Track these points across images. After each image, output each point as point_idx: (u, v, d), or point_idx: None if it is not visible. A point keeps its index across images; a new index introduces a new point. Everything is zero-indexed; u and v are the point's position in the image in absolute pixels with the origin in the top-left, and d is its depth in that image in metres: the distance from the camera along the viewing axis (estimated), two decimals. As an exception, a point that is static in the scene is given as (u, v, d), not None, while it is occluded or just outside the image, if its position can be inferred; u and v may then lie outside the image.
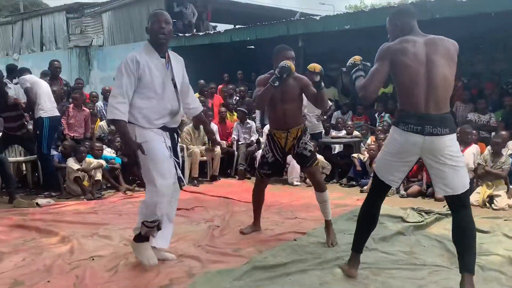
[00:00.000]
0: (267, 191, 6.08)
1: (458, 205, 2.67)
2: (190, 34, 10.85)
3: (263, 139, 7.20)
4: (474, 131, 5.99)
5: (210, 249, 3.51)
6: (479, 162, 5.42)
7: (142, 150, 2.84)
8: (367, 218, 2.89)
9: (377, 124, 7.63)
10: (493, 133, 6.42)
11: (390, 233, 3.88)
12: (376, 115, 8.06)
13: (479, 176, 5.43)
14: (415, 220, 4.30)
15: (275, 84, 3.43)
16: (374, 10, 8.37)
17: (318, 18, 8.74)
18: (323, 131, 7.59)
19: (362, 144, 7.13)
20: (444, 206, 4.92)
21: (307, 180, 6.66)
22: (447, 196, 2.68)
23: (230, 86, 9.13)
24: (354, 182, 6.54)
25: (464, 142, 5.61)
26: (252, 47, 12.29)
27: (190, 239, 3.77)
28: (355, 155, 6.66)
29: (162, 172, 2.89)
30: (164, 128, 3.02)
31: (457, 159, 2.59)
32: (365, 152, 6.64)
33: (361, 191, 6.06)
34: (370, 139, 6.96)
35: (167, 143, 3.01)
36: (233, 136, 7.63)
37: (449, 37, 2.69)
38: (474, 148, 5.69)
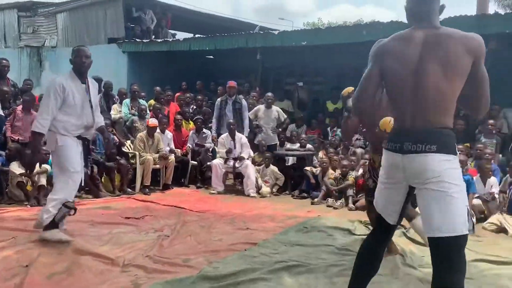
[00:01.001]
0: (220, 201, 6.14)
1: (440, 258, 1.95)
2: (148, 40, 10.73)
3: (218, 148, 7.20)
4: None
5: (158, 259, 3.44)
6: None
7: (43, 161, 4.27)
8: (365, 259, 2.32)
9: (329, 138, 7.83)
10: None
11: (339, 245, 3.98)
12: (328, 129, 8.28)
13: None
14: (362, 233, 4.43)
15: (346, 114, 3.34)
16: (330, 28, 8.68)
17: (276, 32, 8.91)
18: (278, 143, 7.71)
19: (314, 157, 7.29)
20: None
21: (261, 190, 6.73)
22: (431, 241, 1.97)
23: (188, 95, 9.09)
24: (305, 194, 6.65)
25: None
26: (212, 57, 12.31)
27: (138, 248, 3.69)
28: (308, 168, 6.79)
29: (75, 166, 3.79)
30: (79, 137, 3.87)
31: (449, 185, 1.94)
32: (317, 165, 6.79)
33: (312, 203, 6.18)
34: (321, 153, 7.14)
35: (79, 148, 3.88)
36: (188, 145, 7.57)
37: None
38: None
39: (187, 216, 5.02)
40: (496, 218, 4.96)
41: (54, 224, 3.76)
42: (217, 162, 6.91)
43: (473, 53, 1.98)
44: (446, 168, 1.96)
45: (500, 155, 6.49)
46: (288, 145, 7.72)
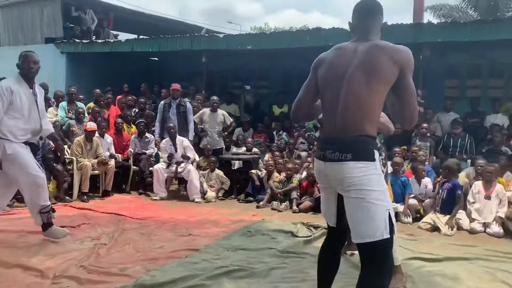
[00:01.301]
0: (162, 208, 5.97)
1: (365, 262, 2.06)
2: (88, 41, 10.33)
3: (161, 153, 7.03)
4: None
5: (93, 269, 3.28)
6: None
7: (0, 167, 3.73)
8: (323, 261, 2.44)
9: (275, 142, 7.89)
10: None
11: (282, 248, 3.98)
12: (274, 133, 8.35)
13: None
14: (304, 235, 4.47)
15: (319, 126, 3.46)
16: (275, 33, 8.81)
17: (221, 36, 8.89)
18: (224, 147, 7.66)
19: (260, 161, 7.31)
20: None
21: (206, 195, 6.63)
22: (358, 246, 2.09)
23: (129, 97, 8.81)
24: (251, 198, 6.64)
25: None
26: (156, 59, 12.06)
27: (71, 258, 3.50)
28: (253, 171, 6.79)
29: (36, 170, 3.82)
30: (26, 143, 3.84)
31: (367, 192, 2.01)
32: (263, 169, 6.81)
33: (257, 207, 6.18)
34: (267, 156, 7.17)
35: (30, 153, 3.84)
36: (129, 149, 7.32)
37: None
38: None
39: (127, 224, 4.83)
40: (430, 217, 5.19)
41: (48, 224, 3.97)
42: (159, 167, 6.73)
43: (399, 64, 2.03)
44: (363, 175, 2.02)
45: (434, 157, 6.84)
46: (234, 149, 7.69)
